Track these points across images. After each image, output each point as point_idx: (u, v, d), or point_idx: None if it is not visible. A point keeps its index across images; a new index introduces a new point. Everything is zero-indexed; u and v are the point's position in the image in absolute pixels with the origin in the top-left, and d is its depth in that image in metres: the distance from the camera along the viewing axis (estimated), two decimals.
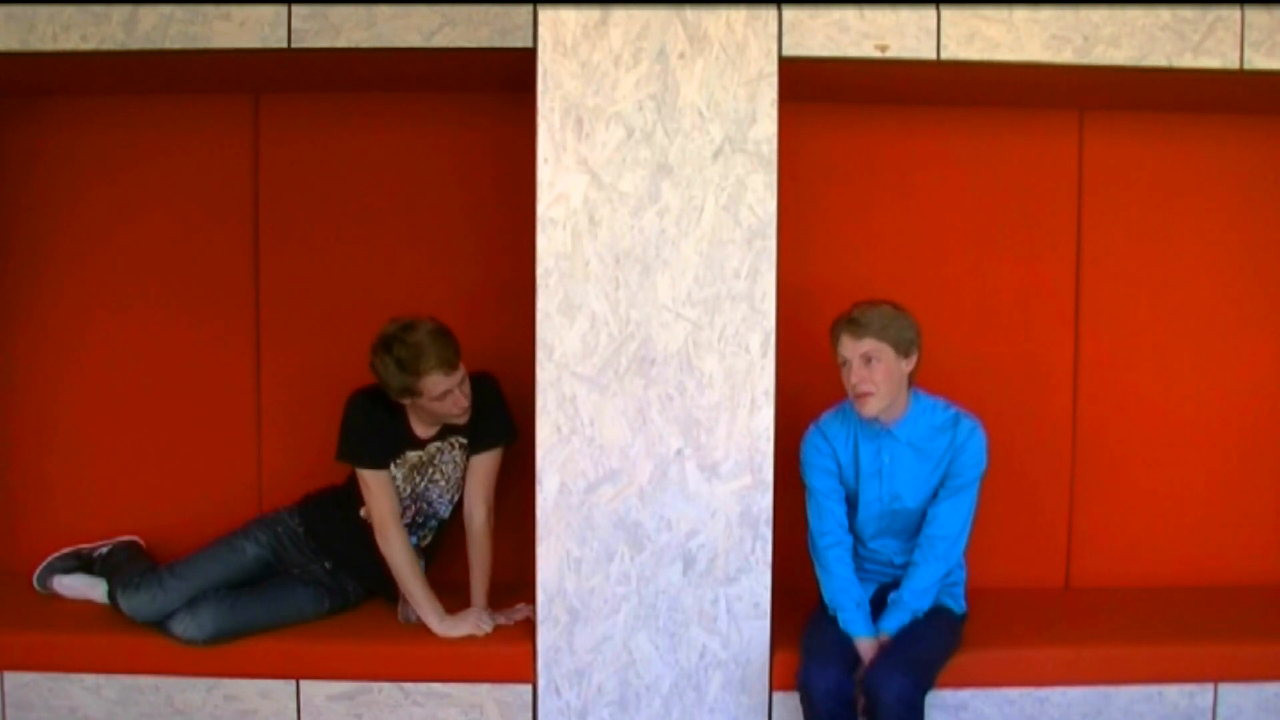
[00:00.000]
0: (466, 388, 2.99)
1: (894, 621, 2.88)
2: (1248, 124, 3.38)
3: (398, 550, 3.01)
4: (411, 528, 3.14)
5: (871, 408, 2.84)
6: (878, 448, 2.93)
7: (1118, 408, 3.44)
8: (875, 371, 2.81)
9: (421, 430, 3.09)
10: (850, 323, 2.82)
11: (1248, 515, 3.47)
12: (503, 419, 3.12)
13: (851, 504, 2.97)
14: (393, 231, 3.41)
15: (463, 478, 3.15)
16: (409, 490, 3.11)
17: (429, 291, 3.38)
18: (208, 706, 2.97)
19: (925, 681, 2.75)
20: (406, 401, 2.99)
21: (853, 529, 2.98)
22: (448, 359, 2.91)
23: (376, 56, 2.97)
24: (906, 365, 2.86)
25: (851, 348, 2.82)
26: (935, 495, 2.92)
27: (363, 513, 3.11)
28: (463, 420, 3.04)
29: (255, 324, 3.43)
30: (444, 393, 2.93)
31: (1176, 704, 2.97)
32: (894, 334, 2.82)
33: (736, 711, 2.94)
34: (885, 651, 2.81)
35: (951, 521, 2.90)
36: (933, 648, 2.85)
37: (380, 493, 3.02)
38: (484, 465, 3.12)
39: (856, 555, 2.98)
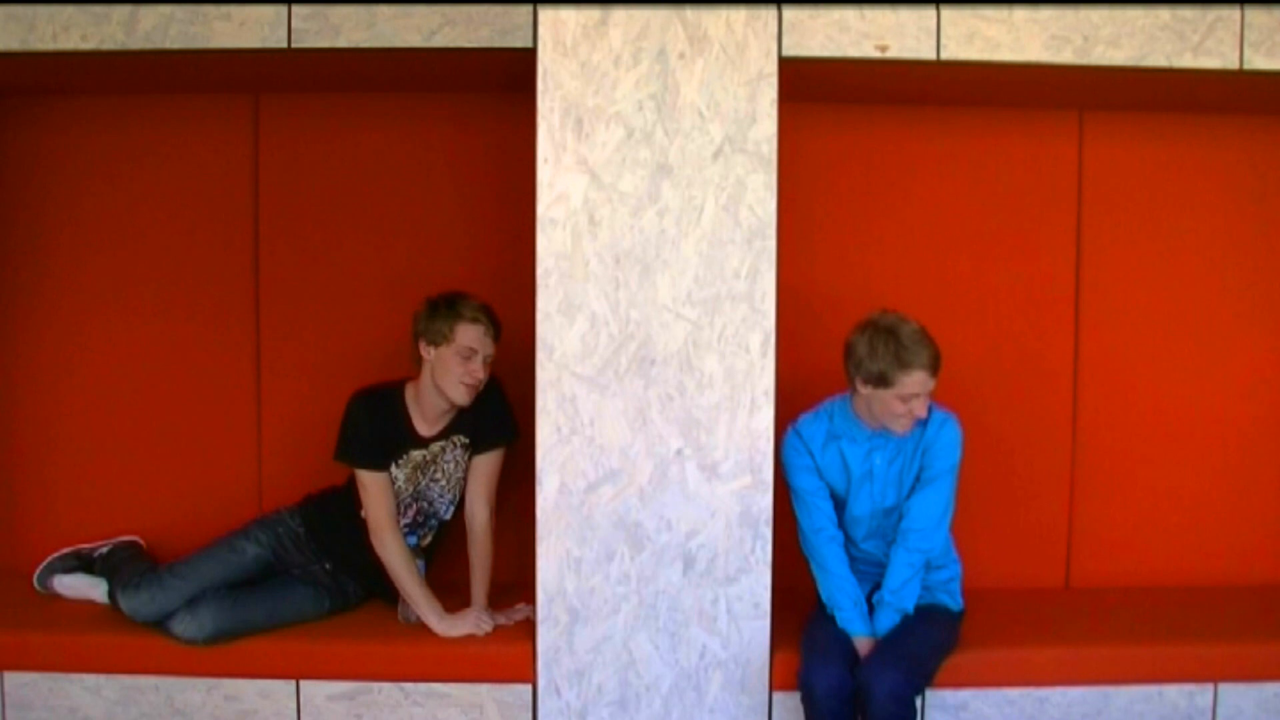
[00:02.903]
0: (488, 369, 3.03)
1: (885, 621, 2.88)
2: (1248, 124, 3.38)
3: (393, 552, 3.01)
4: (412, 527, 3.14)
5: (908, 432, 2.86)
6: (868, 450, 2.93)
7: (1118, 407, 3.44)
8: (925, 404, 2.82)
9: (424, 428, 3.09)
10: (935, 361, 2.76)
11: (1248, 515, 3.47)
12: (506, 419, 3.13)
13: (838, 506, 2.97)
14: (392, 231, 3.41)
15: (464, 477, 3.15)
16: (411, 490, 3.11)
17: (429, 291, 3.36)
18: (208, 706, 2.97)
19: (918, 677, 2.76)
20: (430, 353, 3.00)
21: (843, 530, 2.98)
22: (493, 320, 3.03)
23: (376, 56, 2.97)
24: None
25: (926, 385, 2.78)
26: (912, 490, 2.93)
27: (363, 513, 3.11)
28: (468, 401, 3.04)
29: (255, 324, 3.43)
30: (471, 352, 2.98)
31: (1176, 704, 2.97)
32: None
33: (736, 711, 2.94)
34: (878, 648, 2.82)
35: (925, 513, 2.90)
36: (926, 644, 2.85)
37: (378, 494, 3.02)
38: (486, 465, 3.13)
39: (849, 556, 2.98)
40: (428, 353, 3.03)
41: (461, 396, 3.03)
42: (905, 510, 2.92)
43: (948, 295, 3.36)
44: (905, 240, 3.40)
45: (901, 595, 2.89)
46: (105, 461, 3.46)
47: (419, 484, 3.12)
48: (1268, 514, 3.47)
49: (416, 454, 3.09)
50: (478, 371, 3.01)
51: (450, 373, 3.01)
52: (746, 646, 2.92)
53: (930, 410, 2.91)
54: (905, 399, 2.78)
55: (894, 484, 2.93)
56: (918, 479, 2.92)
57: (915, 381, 2.76)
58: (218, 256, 3.42)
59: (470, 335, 2.99)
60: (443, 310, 3.01)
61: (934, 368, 2.77)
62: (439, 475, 3.13)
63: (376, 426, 3.04)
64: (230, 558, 3.10)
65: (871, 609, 2.93)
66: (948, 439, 2.91)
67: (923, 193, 3.40)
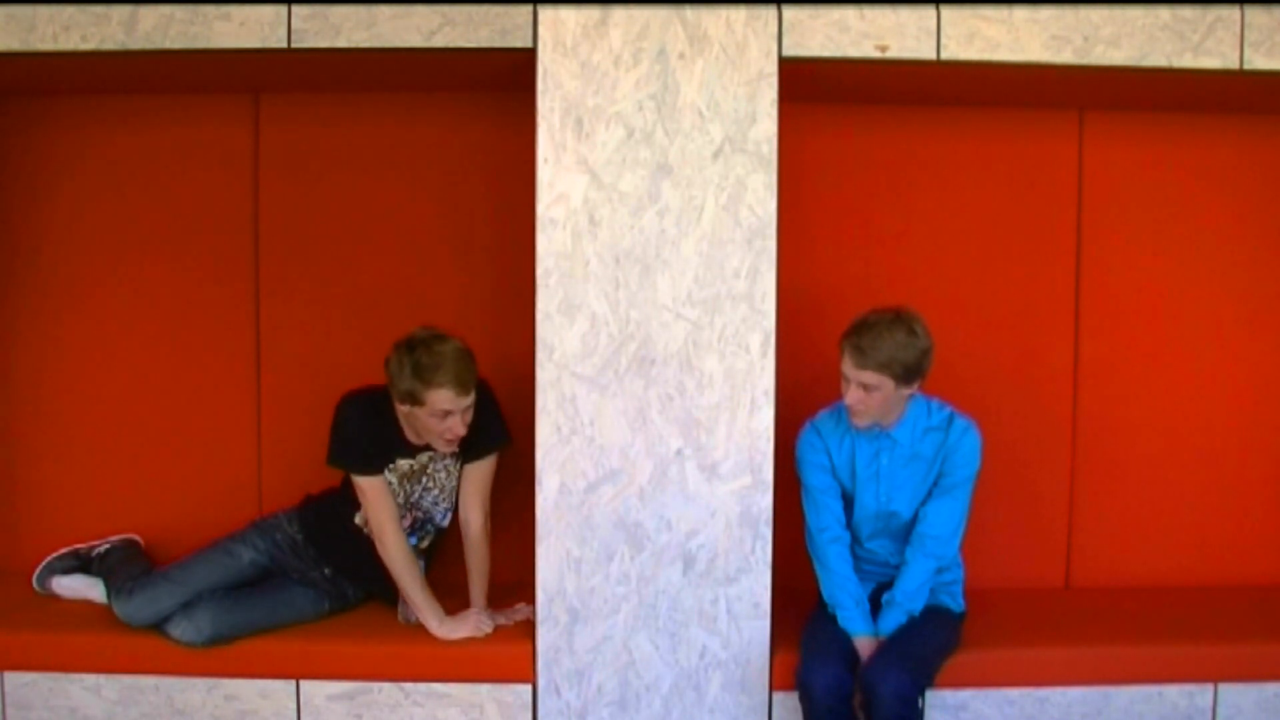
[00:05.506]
0: (469, 417, 2.94)
1: (890, 622, 2.88)
2: (1248, 124, 3.38)
3: (396, 555, 2.99)
4: (411, 528, 3.13)
5: (862, 423, 2.87)
6: (875, 450, 2.93)
7: (1118, 408, 3.44)
8: (871, 398, 2.80)
9: (414, 436, 3.03)
10: (855, 348, 2.77)
11: (1248, 515, 3.47)
12: (496, 426, 3.07)
13: (847, 503, 2.98)
14: (392, 231, 3.41)
15: (458, 485, 3.12)
16: (403, 498, 3.07)
17: (428, 291, 3.38)
18: (208, 706, 2.97)
19: (922, 678, 2.76)
20: (404, 409, 2.93)
21: (849, 528, 2.98)
22: (463, 379, 2.87)
23: (376, 56, 2.97)
24: (908, 390, 2.84)
25: (853, 372, 2.79)
26: (929, 496, 2.92)
27: (358, 519, 3.09)
28: (449, 450, 3.00)
29: (255, 323, 3.43)
30: (445, 413, 2.89)
31: (1176, 704, 2.97)
32: (899, 367, 2.76)
33: (736, 711, 2.94)
34: (883, 648, 2.82)
35: (943, 521, 2.90)
36: (930, 645, 2.85)
37: (375, 498, 2.99)
38: (479, 472, 3.08)
39: (854, 554, 2.98)
40: (402, 409, 2.94)
41: (445, 448, 2.99)
42: (922, 516, 2.91)
43: (948, 295, 3.36)
44: (905, 240, 3.40)
45: (914, 598, 2.89)
46: (105, 462, 3.46)
47: (410, 492, 3.08)
48: (1268, 514, 3.48)
49: (404, 463, 3.04)
50: (457, 428, 2.92)
51: (429, 430, 2.94)
52: (746, 646, 2.92)
53: (953, 417, 2.91)
54: (845, 379, 2.80)
55: (904, 487, 2.92)
56: (936, 484, 2.91)
57: (845, 366, 2.79)
58: (218, 256, 3.42)
59: (441, 399, 2.87)
60: (409, 374, 2.86)
61: (858, 358, 2.75)
62: (431, 485, 3.09)
63: (367, 431, 2.99)
64: (226, 562, 3.09)
65: (875, 608, 2.93)
66: (969, 447, 2.90)
67: (923, 193, 3.40)
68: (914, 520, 2.93)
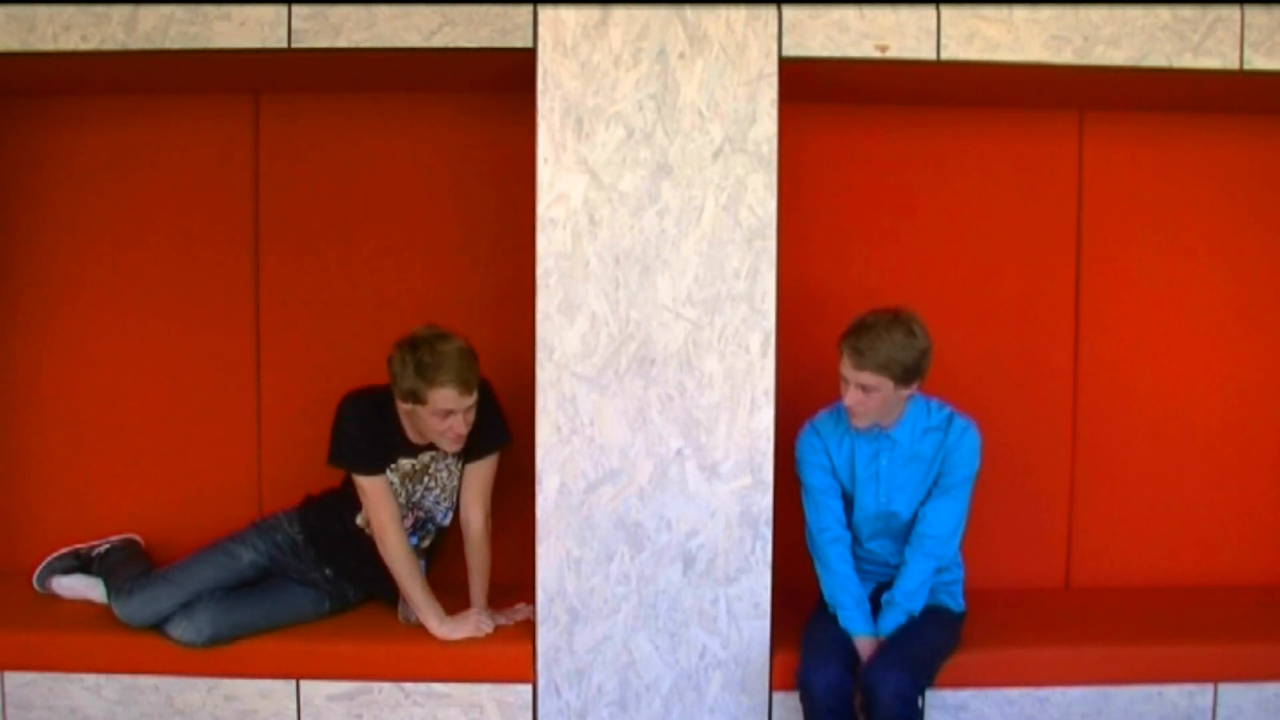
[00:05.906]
0: (471, 416, 2.94)
1: (890, 622, 2.88)
2: (1248, 124, 3.38)
3: (397, 555, 2.98)
4: (413, 528, 3.12)
5: (861, 424, 2.87)
6: (875, 451, 2.93)
7: (1118, 408, 3.44)
8: (870, 399, 2.80)
9: (415, 436, 3.03)
10: (854, 350, 2.76)
11: (1248, 515, 3.47)
12: (497, 425, 3.07)
13: (847, 504, 2.98)
14: (393, 231, 3.41)
15: (460, 485, 3.12)
16: (405, 498, 3.07)
17: (428, 291, 3.38)
18: (208, 706, 2.97)
19: (922, 678, 2.76)
20: (406, 407, 2.94)
21: (849, 528, 2.98)
22: (466, 379, 2.87)
23: (376, 56, 2.97)
24: (907, 391, 2.84)
25: (851, 373, 2.78)
26: (929, 496, 2.92)
27: (359, 519, 3.09)
28: (457, 449, 3.00)
29: (255, 323, 3.43)
30: (447, 412, 2.88)
31: (1176, 704, 2.97)
32: (898, 368, 2.76)
33: (736, 711, 2.94)
34: (883, 648, 2.82)
35: (942, 520, 2.90)
36: (930, 645, 2.85)
37: (377, 498, 2.99)
38: (480, 471, 3.08)
39: (854, 555, 2.98)
40: (404, 408, 2.94)
41: (450, 446, 2.99)
42: (922, 516, 2.92)
43: (948, 295, 3.36)
44: (905, 240, 3.40)
45: (913, 598, 2.89)
46: (105, 462, 3.46)
47: (412, 493, 3.08)
48: (1268, 514, 3.48)
49: (405, 463, 3.04)
50: (458, 427, 2.92)
51: (431, 429, 2.94)
52: (746, 646, 2.92)
53: (953, 417, 2.92)
54: (844, 381, 2.80)
55: (903, 488, 2.92)
56: (935, 484, 2.91)
57: (844, 368, 2.79)
58: (218, 256, 3.42)
59: (443, 399, 2.86)
60: (411, 373, 2.85)
61: (856, 359, 2.75)
62: (433, 485, 3.09)
63: (368, 430, 2.98)
64: (226, 563, 3.08)
65: (875, 608, 2.93)
66: (968, 447, 2.90)
67: (923, 193, 3.40)
68: (914, 520, 2.94)
